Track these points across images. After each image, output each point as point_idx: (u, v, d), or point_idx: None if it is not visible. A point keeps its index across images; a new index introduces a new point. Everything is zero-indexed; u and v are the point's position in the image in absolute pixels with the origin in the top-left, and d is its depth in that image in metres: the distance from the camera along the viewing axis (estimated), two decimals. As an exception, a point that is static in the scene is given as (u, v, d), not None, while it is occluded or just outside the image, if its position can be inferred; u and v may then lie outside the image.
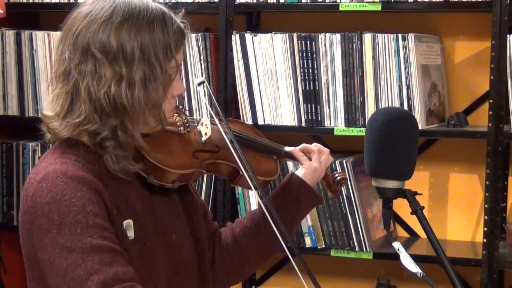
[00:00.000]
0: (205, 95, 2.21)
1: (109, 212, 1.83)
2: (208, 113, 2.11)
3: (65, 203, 1.77)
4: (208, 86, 2.11)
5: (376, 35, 3.45)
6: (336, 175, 2.33)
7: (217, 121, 2.08)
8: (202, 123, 2.08)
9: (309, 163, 2.25)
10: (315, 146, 2.29)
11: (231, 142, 2.03)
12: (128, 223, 1.87)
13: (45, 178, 1.81)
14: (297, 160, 2.28)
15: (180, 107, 2.14)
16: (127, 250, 1.83)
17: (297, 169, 2.27)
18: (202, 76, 2.16)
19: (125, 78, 1.84)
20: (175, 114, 2.07)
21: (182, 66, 3.62)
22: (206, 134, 2.07)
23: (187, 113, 2.22)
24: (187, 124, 2.07)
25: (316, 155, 2.26)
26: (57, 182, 1.79)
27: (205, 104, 2.09)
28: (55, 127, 1.89)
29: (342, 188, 2.37)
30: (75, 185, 1.79)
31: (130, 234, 1.87)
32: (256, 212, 2.20)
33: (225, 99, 3.64)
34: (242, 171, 2.04)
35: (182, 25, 1.95)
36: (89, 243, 1.73)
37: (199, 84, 2.12)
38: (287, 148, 2.28)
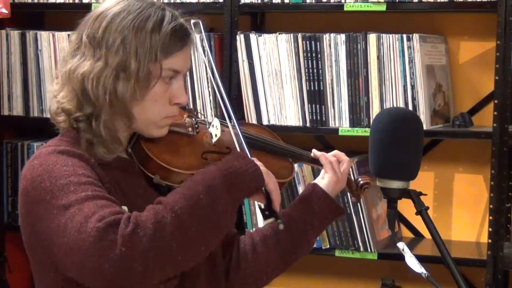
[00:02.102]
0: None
1: (102, 184, 1.85)
2: (217, 114, 2.11)
3: (56, 171, 1.79)
4: (203, 28, 2.08)
5: (381, 35, 3.45)
6: (359, 179, 2.29)
7: (228, 121, 2.07)
8: (213, 125, 2.08)
9: (333, 173, 2.22)
10: (334, 155, 2.25)
11: (240, 144, 2.03)
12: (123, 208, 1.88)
13: (36, 157, 1.86)
14: (323, 167, 2.25)
15: (188, 107, 2.13)
16: None
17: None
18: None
19: (100, 63, 1.87)
20: (185, 116, 2.07)
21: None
22: (216, 135, 2.06)
23: (202, 116, 2.22)
24: (196, 126, 2.08)
25: (329, 166, 2.24)
26: (48, 157, 1.83)
27: (202, 44, 2.05)
28: (51, 108, 1.96)
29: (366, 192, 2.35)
30: (66, 157, 1.83)
31: None
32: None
33: (230, 99, 3.63)
34: None
35: (189, 32, 1.95)
36: (84, 195, 1.74)
37: (193, 24, 2.08)
38: (314, 153, 2.26)
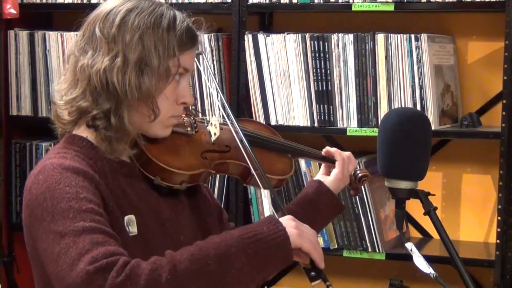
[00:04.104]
0: (203, 67, 2.18)
1: (106, 204, 1.83)
2: (220, 113, 2.11)
3: (59, 191, 1.77)
4: (205, 58, 2.10)
5: (389, 35, 3.44)
6: (358, 172, 2.31)
7: (227, 119, 2.07)
8: (211, 123, 2.07)
9: (340, 171, 2.23)
10: (339, 153, 2.27)
11: (241, 141, 2.02)
12: (129, 218, 1.87)
13: (41, 170, 1.83)
14: (334, 164, 2.25)
15: (192, 108, 2.13)
16: (127, 245, 1.83)
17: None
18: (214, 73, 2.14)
19: (120, 57, 1.86)
20: (183, 115, 2.07)
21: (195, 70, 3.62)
22: (215, 134, 2.06)
23: (200, 114, 2.22)
24: (195, 125, 2.07)
25: (341, 163, 2.24)
26: (52, 173, 1.81)
27: (205, 75, 2.08)
28: (58, 109, 1.92)
29: (364, 185, 2.35)
30: (70, 175, 1.80)
31: (133, 229, 1.87)
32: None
33: (238, 99, 3.64)
34: (253, 171, 2.03)
35: (195, 31, 1.96)
36: (81, 226, 1.72)
37: (196, 56, 2.10)
38: (328, 149, 2.27)
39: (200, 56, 2.14)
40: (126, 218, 1.87)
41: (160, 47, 1.88)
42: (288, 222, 1.79)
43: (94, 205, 1.78)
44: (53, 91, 1.97)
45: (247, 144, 2.01)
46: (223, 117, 2.11)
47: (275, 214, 1.86)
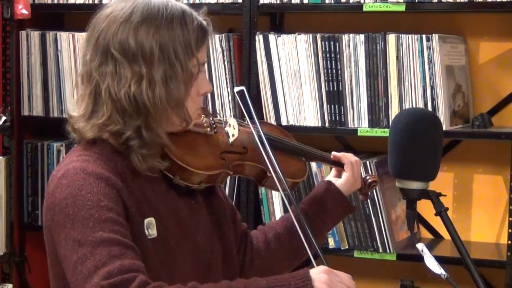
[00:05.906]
0: (242, 104, 2.19)
1: (127, 210, 1.84)
2: (236, 114, 2.11)
3: (80, 198, 1.78)
4: (247, 95, 2.12)
5: (400, 35, 3.44)
6: (368, 177, 2.32)
7: (248, 121, 2.07)
8: (229, 124, 2.08)
9: (351, 174, 2.24)
10: (346, 157, 2.28)
11: (261, 143, 2.02)
12: (149, 221, 1.88)
13: (65, 174, 1.83)
14: (343, 167, 2.27)
15: (202, 106, 2.13)
16: (146, 248, 1.84)
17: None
18: (241, 86, 2.15)
19: (145, 78, 1.85)
20: (202, 115, 2.07)
21: (206, 67, 3.62)
22: (233, 135, 2.06)
23: (216, 115, 2.22)
24: (214, 126, 2.08)
25: (350, 166, 2.25)
26: (76, 178, 1.81)
27: (243, 112, 2.09)
28: (81, 127, 1.91)
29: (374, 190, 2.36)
30: (92, 181, 1.81)
31: (152, 232, 1.88)
32: (289, 217, 2.17)
33: (250, 99, 3.64)
34: (270, 173, 2.04)
35: (204, 22, 1.95)
36: (99, 237, 1.73)
37: (237, 93, 2.12)
38: (334, 155, 2.28)
39: (241, 93, 2.15)
40: (146, 221, 1.87)
41: (180, 54, 1.88)
42: (320, 276, 1.75)
43: (114, 214, 1.78)
44: (68, 109, 1.95)
45: (267, 146, 2.01)
46: (241, 119, 2.11)
47: (314, 263, 1.82)
